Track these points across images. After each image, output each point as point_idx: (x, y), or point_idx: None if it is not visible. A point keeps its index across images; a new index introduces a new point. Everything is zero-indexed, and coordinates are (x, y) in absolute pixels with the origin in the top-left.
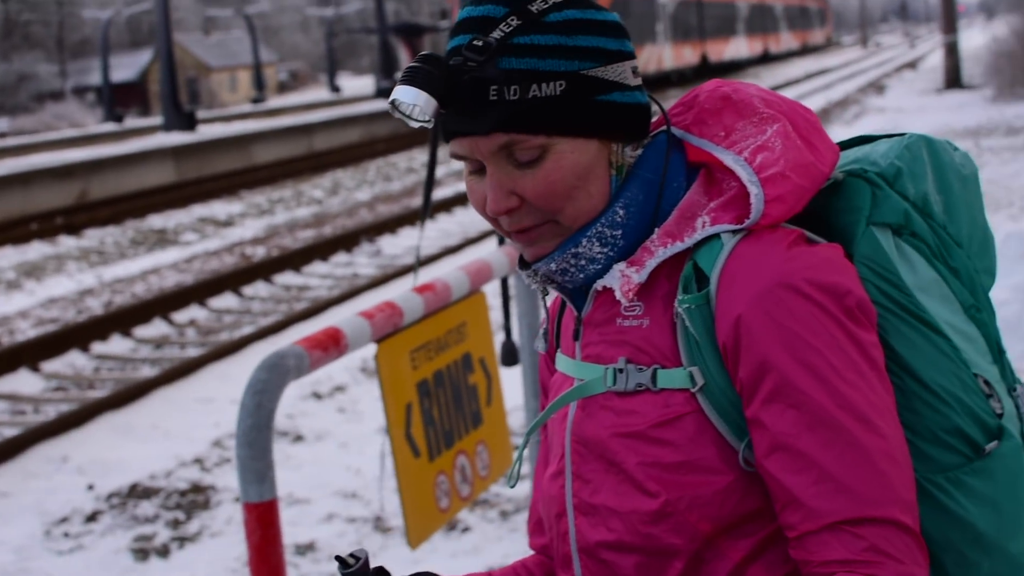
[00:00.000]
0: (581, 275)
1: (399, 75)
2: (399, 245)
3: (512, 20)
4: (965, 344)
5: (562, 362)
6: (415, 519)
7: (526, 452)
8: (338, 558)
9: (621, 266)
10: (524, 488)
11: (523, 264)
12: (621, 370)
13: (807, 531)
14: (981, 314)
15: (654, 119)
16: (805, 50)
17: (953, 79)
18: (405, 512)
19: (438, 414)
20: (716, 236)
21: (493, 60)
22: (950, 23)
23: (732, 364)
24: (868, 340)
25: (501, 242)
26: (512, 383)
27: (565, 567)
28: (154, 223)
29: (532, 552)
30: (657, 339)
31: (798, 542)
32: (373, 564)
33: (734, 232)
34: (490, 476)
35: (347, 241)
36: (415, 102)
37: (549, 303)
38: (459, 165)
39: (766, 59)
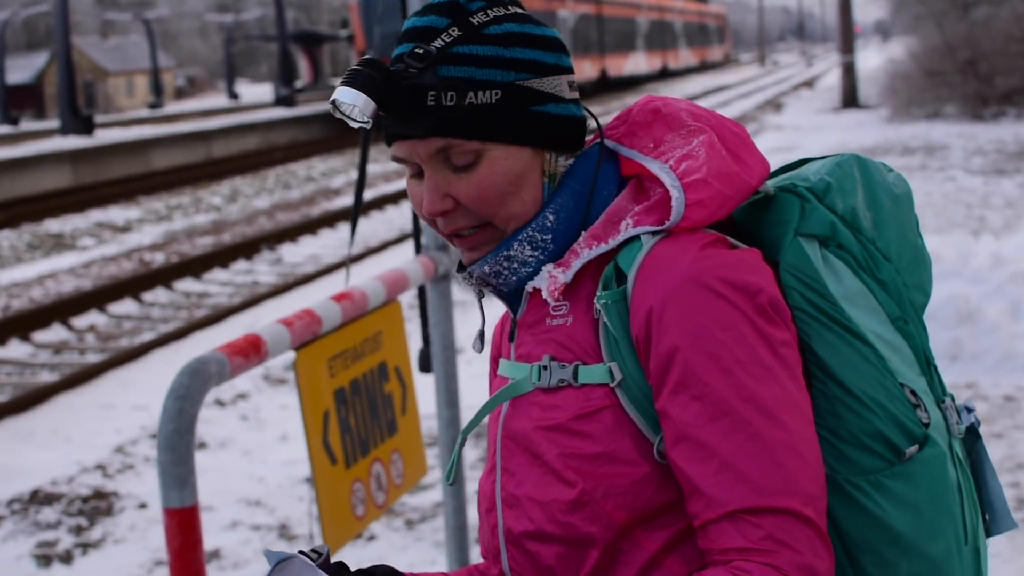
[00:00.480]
0: (514, 278)
1: (339, 78)
2: (299, 253)
3: (453, 31)
4: (891, 354)
5: (501, 364)
6: (332, 526)
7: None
8: (300, 552)
9: (549, 267)
10: (429, 497)
11: (460, 267)
12: (545, 367)
13: (708, 520)
14: (908, 326)
15: (590, 134)
16: (704, 67)
17: (850, 99)
18: (322, 519)
19: (354, 422)
20: (637, 237)
21: (433, 68)
22: (848, 44)
23: (644, 356)
24: (779, 338)
25: (418, 250)
26: (427, 391)
27: (495, 560)
28: (51, 227)
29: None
30: (580, 336)
31: (702, 531)
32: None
33: (654, 233)
34: (404, 484)
35: (247, 249)
36: (355, 103)
37: (486, 304)
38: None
39: (665, 75)
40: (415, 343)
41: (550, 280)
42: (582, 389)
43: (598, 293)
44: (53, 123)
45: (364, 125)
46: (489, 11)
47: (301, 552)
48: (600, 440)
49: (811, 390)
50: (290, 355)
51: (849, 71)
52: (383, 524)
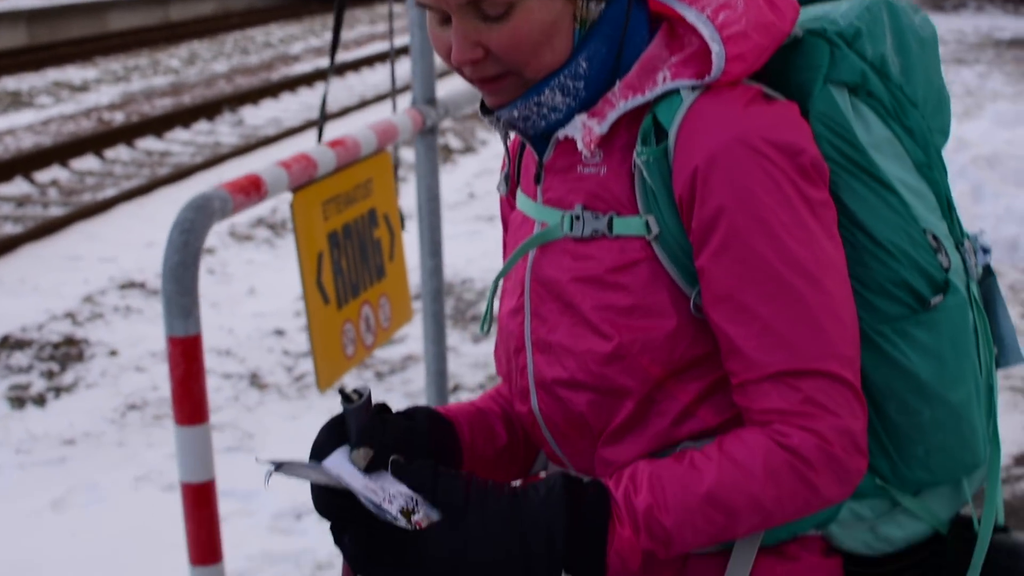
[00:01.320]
0: (543, 123)
1: None
2: (261, 116)
3: None
4: (915, 200)
5: (523, 202)
6: (324, 364)
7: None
8: (341, 392)
9: (583, 117)
10: (400, 350)
11: (484, 110)
12: (578, 216)
13: (748, 379)
14: (932, 172)
15: None
16: None
17: None
18: (315, 356)
19: (346, 265)
20: (676, 91)
21: None
22: None
23: (687, 215)
24: (819, 199)
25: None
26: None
27: (523, 400)
28: (7, 85)
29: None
30: (614, 187)
31: (740, 389)
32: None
33: (693, 88)
34: (391, 327)
35: (208, 110)
36: None
37: (510, 144)
38: (317, 41)
39: None
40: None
41: (584, 131)
42: (616, 240)
43: (638, 148)
44: None
45: None
46: None
47: (341, 391)
48: (636, 292)
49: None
50: (253, 212)
51: None
52: (353, 375)
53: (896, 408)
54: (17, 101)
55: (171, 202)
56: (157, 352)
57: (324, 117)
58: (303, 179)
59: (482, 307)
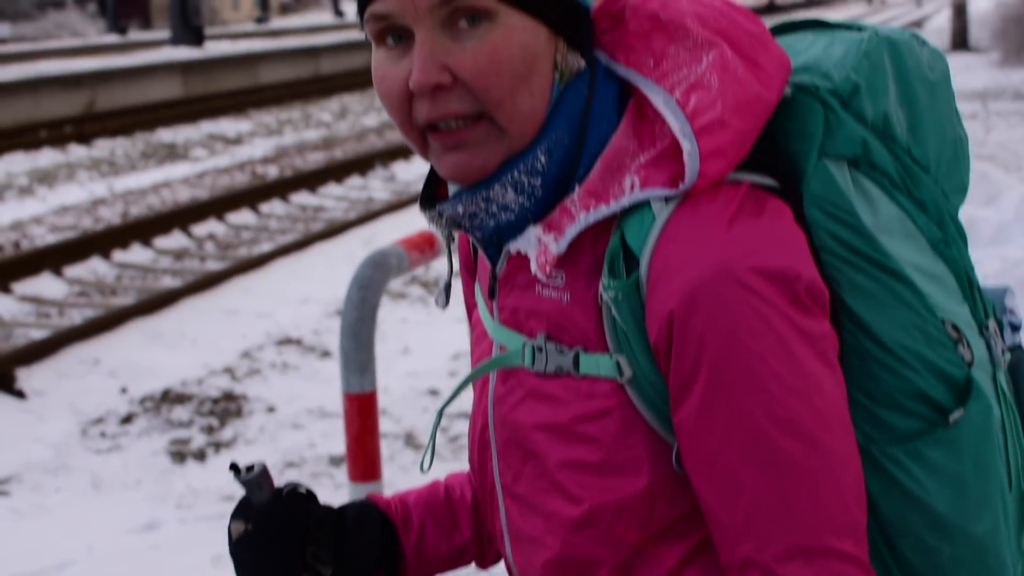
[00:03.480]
0: (492, 222)
1: None
2: (412, 172)
3: None
4: (931, 287)
5: (483, 311)
6: None
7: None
8: (233, 466)
9: (538, 230)
10: None
11: (425, 203)
12: (540, 348)
13: (732, 562)
14: (950, 249)
15: None
16: (811, 2)
17: (960, 41)
18: None
19: None
20: (646, 202)
21: None
22: None
23: (663, 362)
24: (818, 331)
25: None
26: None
27: (499, 541)
28: (163, 137)
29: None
30: (579, 318)
31: (727, 567)
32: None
33: (667, 199)
34: None
35: (360, 165)
36: None
37: (455, 253)
38: None
39: (771, 9)
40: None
41: (539, 247)
42: (583, 380)
43: (604, 280)
44: (160, 33)
45: None
46: None
47: (233, 465)
48: (606, 446)
49: (842, 345)
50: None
51: (960, 12)
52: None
53: (910, 546)
54: (173, 153)
55: (326, 257)
56: (314, 409)
57: None
58: None
59: None
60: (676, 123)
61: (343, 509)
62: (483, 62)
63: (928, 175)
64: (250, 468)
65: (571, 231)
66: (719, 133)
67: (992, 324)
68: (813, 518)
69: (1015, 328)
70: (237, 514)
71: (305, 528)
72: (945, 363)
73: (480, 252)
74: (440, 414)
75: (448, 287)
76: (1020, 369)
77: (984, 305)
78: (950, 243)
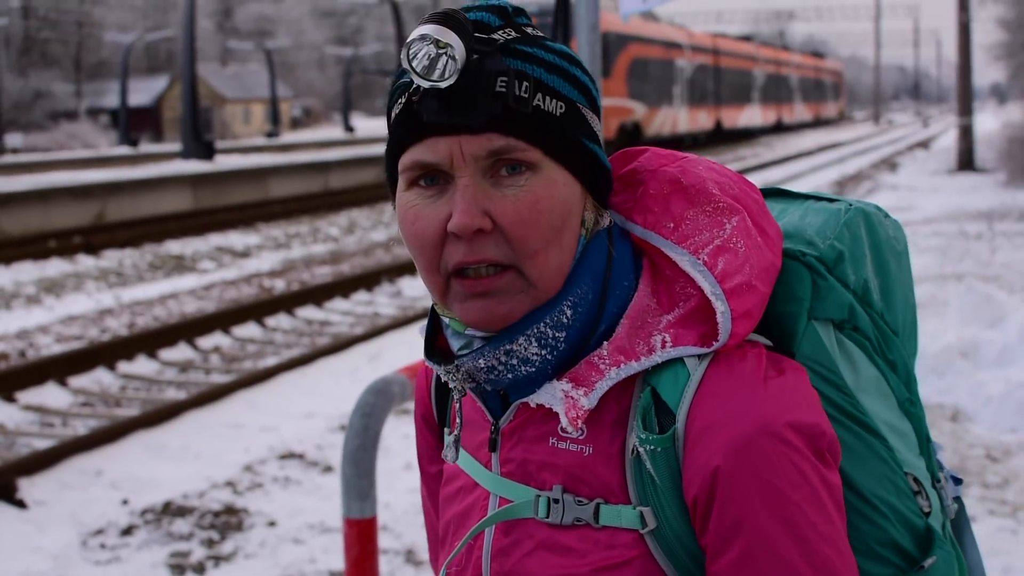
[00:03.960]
0: (510, 376)
1: (423, 21)
2: (419, 287)
3: (509, 31)
4: (899, 442)
5: (470, 464)
6: None
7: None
8: None
9: (564, 385)
10: None
11: (435, 357)
12: (556, 500)
13: None
14: (915, 407)
15: None
16: (818, 122)
17: (966, 161)
18: None
19: None
20: (678, 359)
21: (498, 55)
22: (966, 105)
23: (701, 516)
24: (836, 483)
25: None
26: None
27: None
28: (172, 248)
29: None
30: (601, 471)
31: None
32: None
33: (700, 357)
34: None
35: (367, 280)
36: (451, 42)
37: (457, 404)
38: None
39: (779, 129)
40: None
41: (566, 403)
42: (602, 531)
43: (639, 433)
44: (171, 146)
45: (437, 84)
46: (533, 28)
47: None
48: None
49: None
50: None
51: (966, 133)
52: None
53: None
54: (181, 265)
55: (331, 372)
56: (315, 524)
57: None
58: None
59: None
60: (707, 284)
61: None
62: (524, 211)
63: (897, 338)
64: None
65: (601, 386)
66: (747, 296)
67: (942, 476)
68: None
69: (957, 481)
70: None
71: None
72: (910, 513)
73: (463, 406)
74: (446, 570)
75: (458, 441)
76: (961, 519)
77: (935, 460)
78: (915, 402)
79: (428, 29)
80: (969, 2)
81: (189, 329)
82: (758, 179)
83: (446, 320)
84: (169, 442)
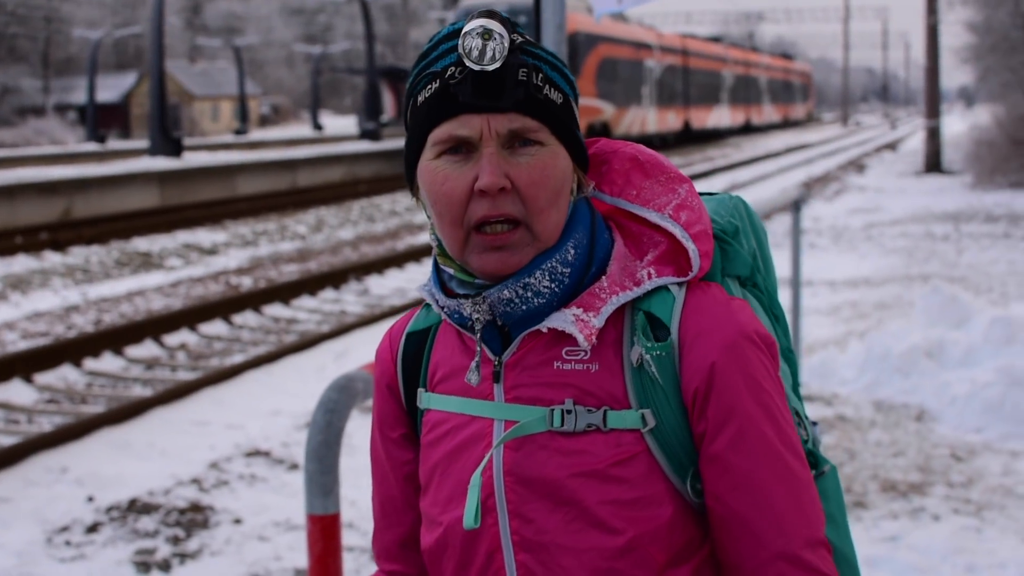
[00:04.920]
0: (523, 307)
1: (472, 18)
2: (386, 286)
3: (516, 36)
4: (786, 385)
5: (462, 404)
6: None
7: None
8: None
9: (574, 311)
10: None
11: (452, 292)
12: (569, 411)
13: (760, 561)
14: (791, 355)
15: None
16: (786, 124)
17: (933, 163)
18: None
19: None
20: (664, 287)
21: (518, 52)
22: (933, 108)
23: (699, 406)
24: (781, 380)
25: None
26: None
27: None
28: (139, 246)
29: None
30: (607, 383)
31: (746, 573)
32: None
33: (680, 284)
34: None
35: (334, 278)
36: (501, 32)
37: (478, 336)
38: None
39: (748, 130)
40: None
41: (579, 324)
42: (610, 434)
43: (645, 344)
44: (139, 143)
45: (486, 68)
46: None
47: None
48: (637, 485)
49: None
50: None
51: (934, 135)
52: None
53: None
54: (148, 262)
55: (297, 370)
56: (281, 522)
57: None
58: None
59: None
60: (677, 231)
61: None
62: (536, 175)
63: (774, 299)
64: None
65: (607, 309)
66: (706, 240)
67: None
68: (816, 514)
69: (814, 424)
70: None
71: None
72: (801, 433)
73: (450, 356)
74: (480, 475)
75: (479, 366)
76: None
77: (802, 402)
78: (791, 351)
79: (480, 22)
80: (937, 5)
81: (156, 326)
82: (726, 180)
83: (450, 272)
84: (135, 439)
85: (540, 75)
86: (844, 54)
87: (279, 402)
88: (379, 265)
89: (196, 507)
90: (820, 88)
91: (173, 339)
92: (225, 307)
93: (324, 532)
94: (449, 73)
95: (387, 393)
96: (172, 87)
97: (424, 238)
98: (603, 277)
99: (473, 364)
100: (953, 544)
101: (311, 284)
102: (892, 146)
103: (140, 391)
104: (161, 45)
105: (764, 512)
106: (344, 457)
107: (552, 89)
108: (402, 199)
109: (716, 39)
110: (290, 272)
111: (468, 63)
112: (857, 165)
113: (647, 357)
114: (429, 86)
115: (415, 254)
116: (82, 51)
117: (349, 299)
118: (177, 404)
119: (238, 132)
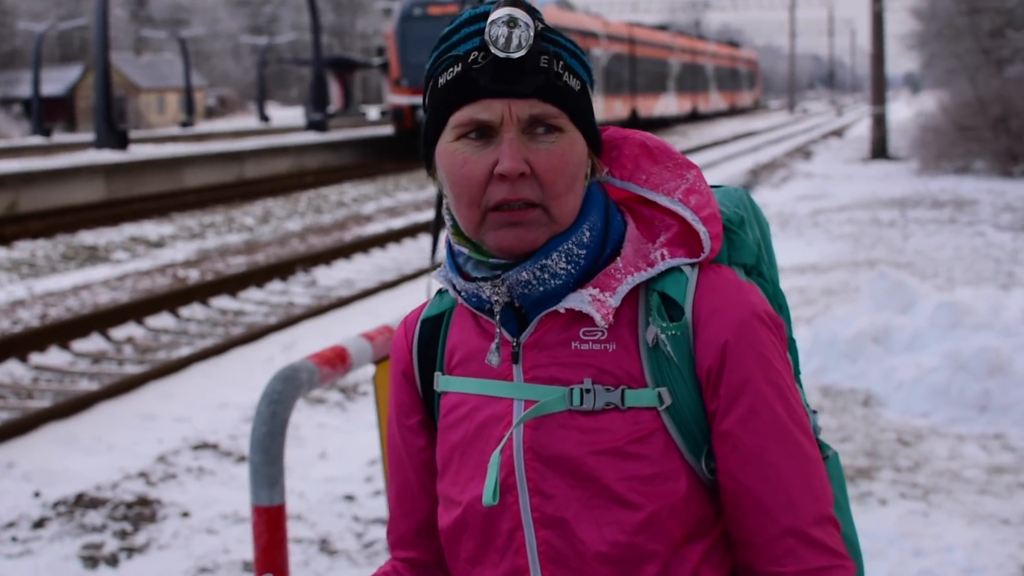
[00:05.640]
0: (540, 288)
1: (497, 6)
2: (334, 277)
3: (536, 23)
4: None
5: (480, 385)
6: None
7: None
8: None
9: (591, 291)
10: None
11: (483, 271)
12: (588, 390)
13: (772, 536)
14: (794, 345)
15: None
16: (733, 111)
17: (879, 150)
18: None
19: None
20: (677, 268)
21: (539, 39)
22: (879, 95)
23: (712, 384)
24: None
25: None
26: None
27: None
28: (85, 239)
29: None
30: (624, 362)
31: (758, 548)
32: None
33: (692, 265)
34: None
35: (282, 270)
36: (527, 21)
37: (497, 318)
38: (389, 201)
39: (694, 117)
40: None
41: (595, 304)
42: (628, 412)
43: (660, 323)
44: (85, 136)
45: (511, 55)
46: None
47: None
48: (655, 461)
49: None
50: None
51: (880, 122)
52: None
53: None
54: (94, 256)
55: (245, 362)
56: (229, 514)
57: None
58: (386, 351)
59: None
60: (688, 214)
61: None
62: (555, 161)
63: (777, 289)
64: None
65: (623, 289)
66: (715, 223)
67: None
68: (825, 491)
69: (814, 412)
70: None
71: None
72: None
73: (468, 340)
74: (498, 457)
75: (499, 347)
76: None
77: (803, 390)
78: (793, 340)
79: (507, 10)
80: None
81: (102, 320)
82: None
83: (465, 253)
84: (82, 433)
85: (560, 62)
86: (791, 41)
87: (226, 394)
88: (327, 256)
89: (144, 501)
90: (767, 75)
91: (120, 332)
92: (172, 300)
93: (270, 523)
94: (472, 58)
95: (403, 380)
96: (118, 79)
97: (371, 229)
98: (618, 258)
99: (493, 346)
100: (900, 528)
101: (258, 276)
102: (839, 133)
103: (87, 385)
104: (106, 37)
105: (774, 488)
106: (290, 448)
107: (571, 76)
108: (350, 190)
109: (663, 27)
110: (237, 264)
111: (494, 51)
112: (804, 152)
113: (663, 337)
114: (450, 69)
115: (363, 245)
116: (26, 44)
117: (297, 291)
118: (124, 398)
119: (184, 124)
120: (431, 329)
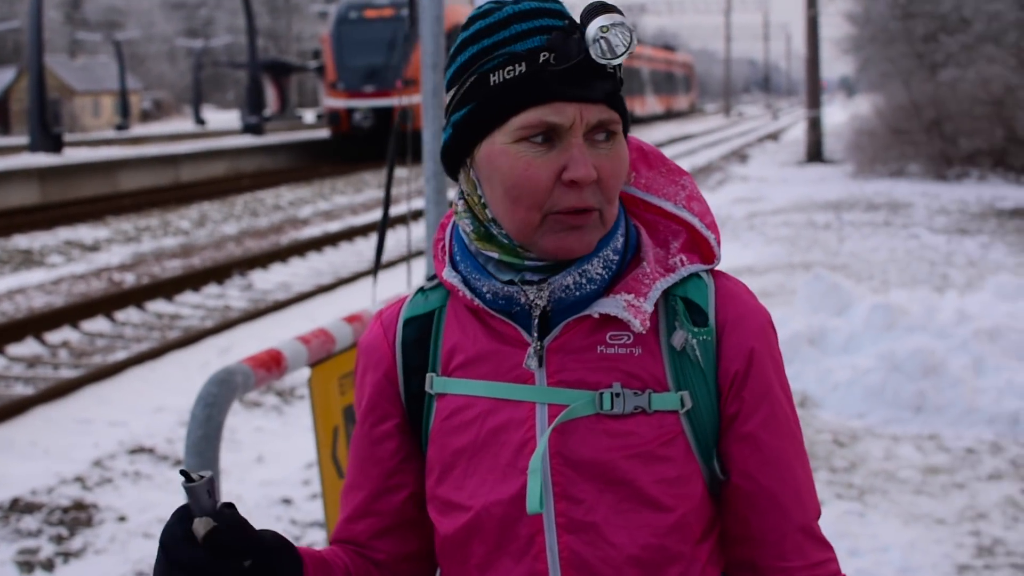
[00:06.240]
0: (577, 293)
1: (595, 13)
2: (270, 280)
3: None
4: None
5: (497, 388)
6: None
7: None
8: (183, 472)
9: (625, 296)
10: None
11: (512, 275)
12: (618, 394)
13: (783, 534)
14: None
15: None
16: (670, 115)
17: (815, 153)
18: (329, 526)
19: None
20: (695, 274)
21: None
22: (814, 98)
23: (737, 387)
24: None
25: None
26: None
27: None
28: (19, 243)
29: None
30: (649, 366)
31: (768, 545)
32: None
33: (708, 272)
34: None
35: (218, 273)
36: (629, 27)
37: (534, 322)
38: (326, 205)
39: (631, 121)
40: None
41: (631, 310)
42: (654, 416)
43: (690, 329)
44: (18, 139)
45: (613, 61)
46: None
47: (183, 472)
48: (680, 464)
49: None
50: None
51: (815, 126)
52: None
53: None
54: (28, 260)
55: (181, 366)
56: (165, 519)
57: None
58: (321, 354)
59: None
60: (695, 221)
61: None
62: (617, 167)
63: None
64: (200, 476)
65: (653, 294)
66: (716, 230)
67: None
68: (815, 490)
69: None
70: (184, 517)
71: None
72: None
73: (480, 335)
74: (538, 461)
75: (535, 351)
76: None
77: None
78: None
79: (611, 17)
80: None
81: (37, 324)
82: None
83: (494, 257)
84: (16, 438)
85: (619, 70)
86: (726, 45)
87: (163, 398)
88: (263, 260)
89: (80, 505)
90: (703, 79)
91: (55, 337)
92: (108, 304)
93: None
94: (543, 58)
95: (382, 381)
96: (52, 82)
97: (308, 232)
98: (643, 263)
99: (531, 350)
100: (836, 528)
101: (194, 279)
102: (774, 136)
103: (22, 389)
104: (40, 39)
105: (789, 487)
106: (227, 452)
107: (620, 81)
108: (286, 193)
109: None
110: (173, 268)
111: (595, 56)
112: (740, 155)
113: (693, 341)
114: (509, 67)
115: (299, 248)
116: None
117: (233, 294)
118: (60, 402)
119: (119, 127)
120: (419, 329)
